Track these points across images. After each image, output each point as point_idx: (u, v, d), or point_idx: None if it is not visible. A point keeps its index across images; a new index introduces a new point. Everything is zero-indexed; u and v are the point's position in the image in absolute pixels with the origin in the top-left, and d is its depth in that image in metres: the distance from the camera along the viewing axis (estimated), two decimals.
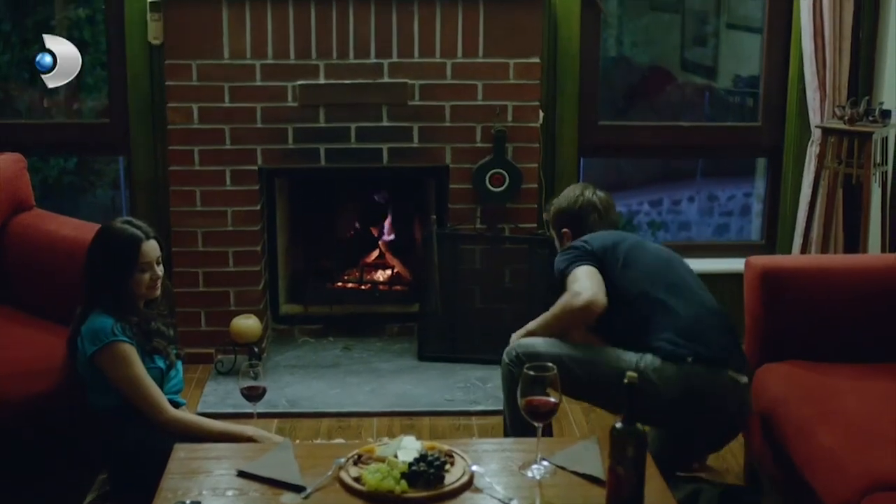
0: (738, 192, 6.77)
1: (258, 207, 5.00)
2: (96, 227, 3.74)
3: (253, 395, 3.47)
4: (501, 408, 4.53)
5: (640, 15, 6.23)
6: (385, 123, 4.92)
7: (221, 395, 4.68)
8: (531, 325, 3.75)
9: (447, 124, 4.93)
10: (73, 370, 3.55)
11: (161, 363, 3.55)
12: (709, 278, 5.25)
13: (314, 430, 4.43)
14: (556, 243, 4.11)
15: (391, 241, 5.62)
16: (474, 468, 2.92)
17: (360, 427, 4.47)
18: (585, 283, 3.61)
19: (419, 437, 4.10)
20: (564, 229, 4.03)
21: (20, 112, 5.73)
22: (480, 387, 4.78)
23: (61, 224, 4.30)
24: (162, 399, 3.46)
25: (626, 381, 2.65)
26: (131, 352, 3.43)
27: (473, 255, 5.07)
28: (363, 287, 5.48)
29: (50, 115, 5.77)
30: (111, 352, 3.40)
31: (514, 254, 5.06)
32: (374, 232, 5.62)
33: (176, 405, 3.57)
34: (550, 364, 2.94)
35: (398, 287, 5.49)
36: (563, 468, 2.97)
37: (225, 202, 4.95)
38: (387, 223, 5.62)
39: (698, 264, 5.30)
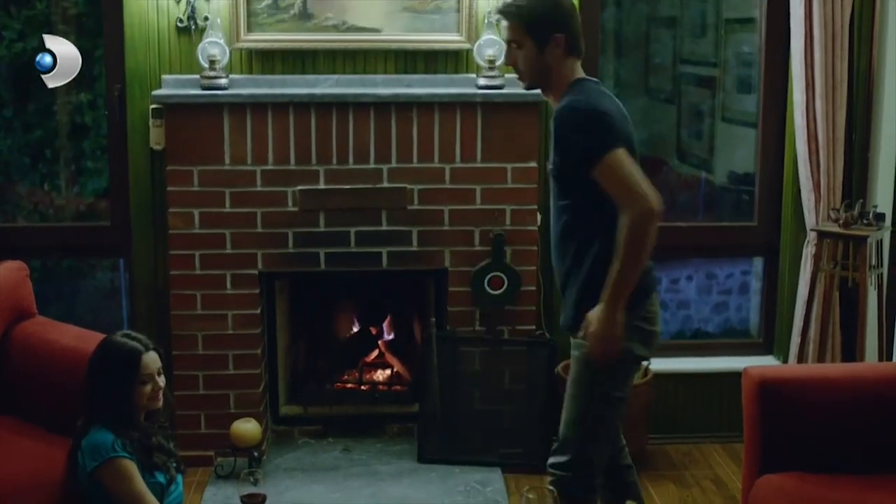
0: (736, 271, 6.67)
1: (258, 311, 5.02)
2: (99, 336, 3.78)
3: (253, 502, 3.48)
4: None
5: (635, 97, 6.29)
6: (384, 227, 4.95)
7: (221, 500, 4.66)
8: (610, 286, 3.33)
9: (446, 228, 4.96)
10: (74, 484, 3.56)
11: (161, 478, 3.57)
12: (708, 378, 5.34)
13: None
14: (530, 67, 3.56)
15: (391, 341, 5.64)
16: None
17: None
18: (642, 182, 3.30)
19: None
20: (558, 34, 3.50)
21: (20, 196, 5.77)
22: (480, 490, 4.77)
23: (63, 333, 4.32)
24: None
25: None
26: (131, 467, 3.45)
27: (473, 358, 5.08)
28: (363, 387, 5.48)
29: (50, 200, 5.83)
30: (112, 468, 3.42)
31: (513, 355, 5.08)
32: (374, 331, 5.64)
33: None
34: (551, 487, 2.95)
35: (398, 387, 5.50)
36: None
37: (225, 306, 4.96)
38: (386, 323, 5.64)
39: (698, 363, 5.39)
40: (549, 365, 5.04)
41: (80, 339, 4.19)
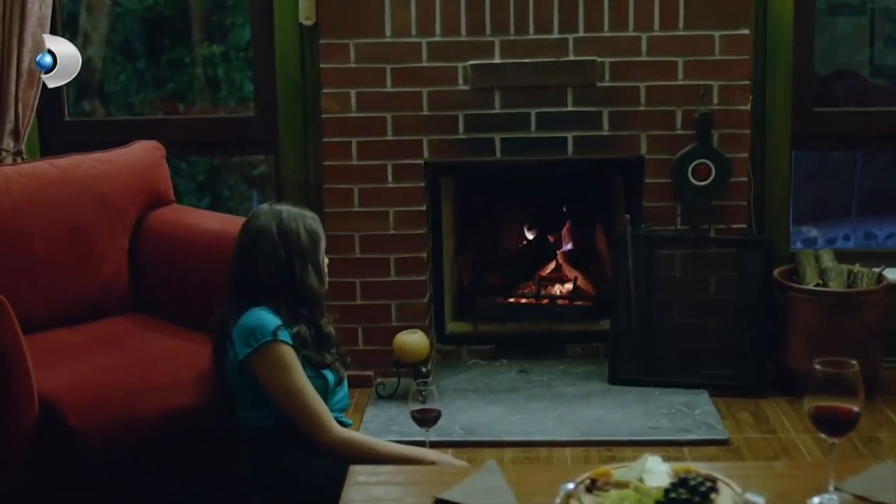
0: None
1: (423, 208, 4.42)
2: (243, 219, 3.19)
3: (426, 418, 2.95)
4: (717, 437, 3.87)
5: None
6: (570, 108, 4.32)
7: (384, 421, 4.08)
8: None
9: (642, 108, 4.31)
10: (222, 381, 2.99)
11: (330, 376, 2.96)
12: None
13: (497, 460, 3.72)
14: None
15: (570, 251, 4.96)
16: (749, 496, 2.20)
17: (550, 458, 3.81)
18: None
19: None
20: None
21: None
22: (688, 413, 4.07)
23: (204, 218, 3.77)
24: (328, 415, 2.88)
25: None
26: (292, 356, 2.86)
27: (672, 261, 4.39)
28: (540, 303, 4.80)
29: None
30: (268, 354, 2.84)
31: (720, 259, 4.36)
32: (551, 240, 4.96)
33: (342, 426, 2.95)
34: (852, 360, 2.20)
35: (580, 302, 4.81)
36: (863, 498, 2.24)
37: (386, 202, 4.39)
38: (564, 231, 4.97)
39: None
40: (764, 270, 4.30)
41: (225, 223, 3.63)
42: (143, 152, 3.87)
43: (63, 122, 4.69)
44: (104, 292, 3.64)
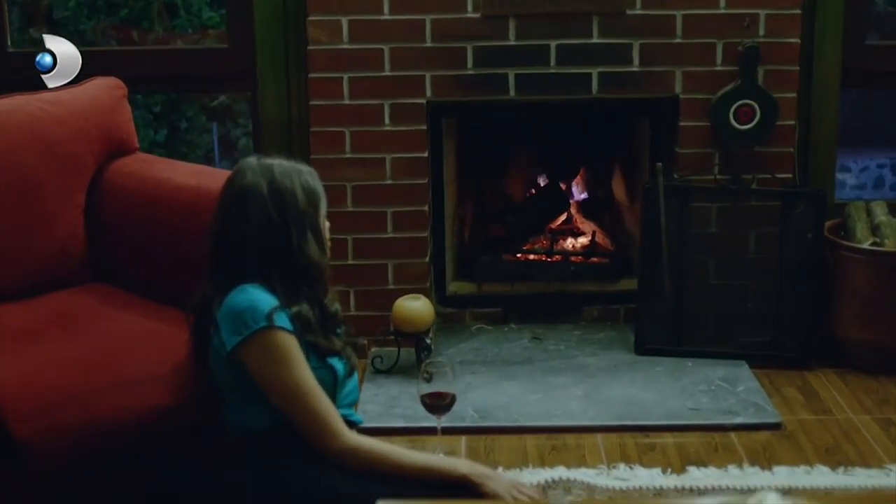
0: (872, 164, 6.39)
1: (425, 154, 3.91)
2: (223, 173, 2.76)
3: (439, 405, 2.70)
4: (769, 420, 3.42)
5: None
6: (595, 40, 3.82)
7: (385, 401, 3.57)
8: None
9: (678, 40, 3.81)
10: (205, 375, 2.49)
11: (339, 365, 2.48)
12: None
13: (519, 451, 3.30)
14: None
15: (584, 201, 4.47)
16: None
17: (579, 447, 3.32)
18: None
19: (667, 461, 3.17)
20: None
21: None
22: (730, 390, 3.61)
23: (176, 170, 3.23)
24: (336, 419, 2.39)
25: None
26: (293, 346, 2.36)
27: (708, 216, 3.91)
28: (551, 259, 4.30)
29: None
30: (262, 343, 2.35)
31: (762, 213, 3.89)
32: (563, 188, 4.46)
33: (351, 425, 2.49)
34: None
35: (596, 259, 4.31)
36: None
37: (382, 147, 3.89)
38: (578, 179, 4.48)
39: None
40: (815, 225, 3.83)
41: (202, 176, 3.10)
42: (100, 91, 3.32)
43: (5, 54, 4.12)
44: (57, 259, 3.11)
